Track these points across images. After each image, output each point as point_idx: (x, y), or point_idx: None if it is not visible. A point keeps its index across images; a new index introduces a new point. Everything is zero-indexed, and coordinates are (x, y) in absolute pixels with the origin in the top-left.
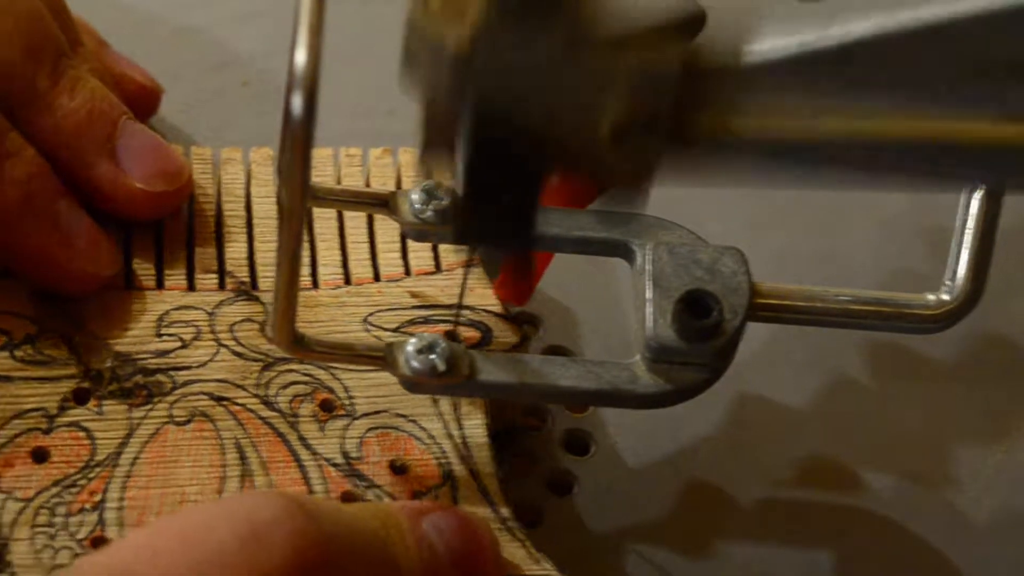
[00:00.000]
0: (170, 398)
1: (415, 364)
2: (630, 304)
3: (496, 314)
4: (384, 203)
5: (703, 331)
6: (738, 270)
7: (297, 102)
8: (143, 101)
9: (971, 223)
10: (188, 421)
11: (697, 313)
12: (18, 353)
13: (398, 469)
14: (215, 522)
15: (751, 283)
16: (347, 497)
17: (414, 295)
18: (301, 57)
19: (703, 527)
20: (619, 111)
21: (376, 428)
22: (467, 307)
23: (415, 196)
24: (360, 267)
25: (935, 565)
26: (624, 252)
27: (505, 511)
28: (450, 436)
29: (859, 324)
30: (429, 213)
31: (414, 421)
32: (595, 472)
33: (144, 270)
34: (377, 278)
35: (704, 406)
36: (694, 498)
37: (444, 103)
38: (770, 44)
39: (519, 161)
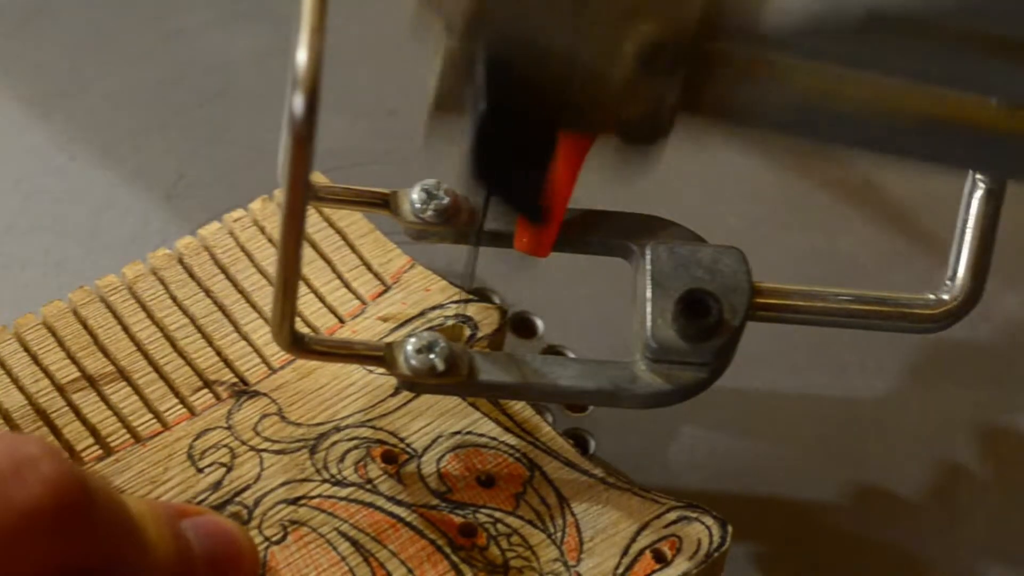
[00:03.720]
0: (253, 523)
1: (414, 363)
2: (630, 304)
3: (467, 301)
4: (384, 203)
5: (703, 331)
6: (738, 269)
7: (298, 101)
8: None
9: (971, 222)
10: (284, 536)
11: (697, 313)
12: None
13: (485, 483)
14: None
15: (751, 283)
16: (465, 529)
17: (384, 319)
18: (303, 57)
19: None
20: (632, 65)
21: (443, 455)
22: (438, 307)
23: (415, 195)
24: (320, 317)
25: (934, 565)
26: (624, 252)
27: (599, 471)
28: (508, 430)
29: (859, 324)
30: (430, 212)
31: (471, 432)
32: None
33: (143, 418)
34: (341, 320)
35: (704, 406)
36: (693, 498)
37: (458, 57)
38: (791, 5)
39: (533, 116)
